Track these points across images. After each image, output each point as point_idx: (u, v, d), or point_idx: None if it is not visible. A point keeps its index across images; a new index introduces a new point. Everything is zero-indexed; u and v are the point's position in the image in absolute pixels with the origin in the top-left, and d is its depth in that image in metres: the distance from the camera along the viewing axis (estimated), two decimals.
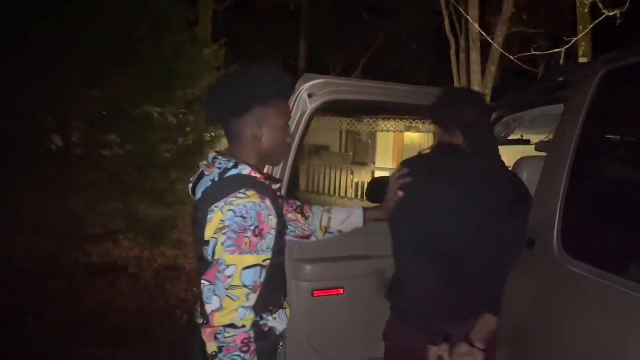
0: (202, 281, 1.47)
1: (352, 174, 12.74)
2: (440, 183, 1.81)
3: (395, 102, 2.33)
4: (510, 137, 2.90)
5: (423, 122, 12.06)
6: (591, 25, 6.89)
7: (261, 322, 1.60)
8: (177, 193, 5.95)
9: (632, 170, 1.54)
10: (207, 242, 1.47)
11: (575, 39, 7.50)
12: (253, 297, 1.47)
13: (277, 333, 1.65)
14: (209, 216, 1.46)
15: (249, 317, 1.46)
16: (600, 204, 1.56)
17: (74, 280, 5.20)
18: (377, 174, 12.97)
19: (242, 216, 1.43)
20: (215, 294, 1.44)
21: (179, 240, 6.34)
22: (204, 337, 1.45)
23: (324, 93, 2.28)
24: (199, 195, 1.56)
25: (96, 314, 4.55)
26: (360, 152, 14.62)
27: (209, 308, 1.44)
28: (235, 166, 1.55)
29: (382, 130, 13.06)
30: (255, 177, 1.57)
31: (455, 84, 11.30)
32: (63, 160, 5.44)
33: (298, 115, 2.28)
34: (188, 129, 6.47)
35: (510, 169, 2.19)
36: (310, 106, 2.28)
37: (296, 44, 18.40)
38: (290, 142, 1.77)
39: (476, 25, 9.02)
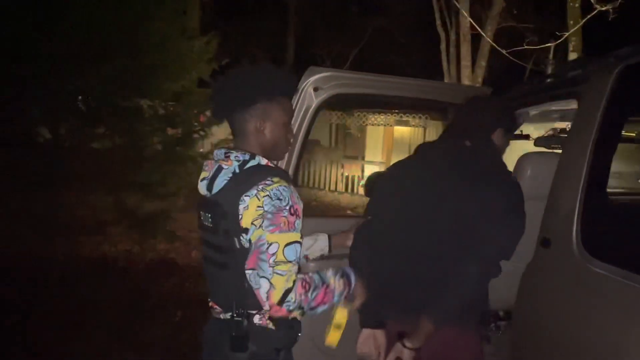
0: (246, 271, 1.53)
1: (342, 168, 12.71)
2: (424, 182, 1.84)
3: (402, 96, 2.28)
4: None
5: (414, 117, 12.05)
6: (584, 20, 6.89)
7: None
8: (168, 186, 5.87)
9: None
10: (245, 230, 1.52)
11: (567, 34, 7.51)
12: (295, 269, 1.52)
13: (300, 320, 1.68)
14: (241, 205, 1.52)
15: (291, 277, 1.50)
16: (622, 201, 1.53)
17: (63, 274, 5.10)
18: (367, 167, 12.95)
19: (278, 198, 1.50)
20: (262, 277, 1.49)
21: (170, 234, 6.26)
22: (281, 316, 1.53)
23: (330, 87, 2.23)
24: (217, 188, 1.59)
25: (86, 310, 4.46)
26: (350, 146, 14.59)
27: (262, 292, 1.49)
28: (252, 157, 1.60)
29: (372, 124, 13.03)
30: (274, 167, 1.64)
31: (446, 78, 11.31)
32: (52, 152, 5.32)
33: (304, 109, 2.23)
34: (178, 121, 6.38)
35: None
36: (316, 100, 2.22)
37: (284, 36, 18.27)
38: (291, 139, 1.80)
39: (468, 18, 8.99)
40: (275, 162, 2.10)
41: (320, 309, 1.58)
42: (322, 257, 2.03)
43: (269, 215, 1.49)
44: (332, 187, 12.57)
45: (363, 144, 14.06)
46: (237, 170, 1.58)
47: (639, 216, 1.50)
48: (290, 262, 1.50)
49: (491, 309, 2.97)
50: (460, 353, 1.79)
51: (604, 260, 1.47)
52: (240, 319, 1.60)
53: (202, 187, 1.66)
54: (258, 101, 1.62)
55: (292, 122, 2.24)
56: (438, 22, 11.33)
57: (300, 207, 1.56)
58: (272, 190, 1.51)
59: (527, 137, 3.61)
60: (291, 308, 1.50)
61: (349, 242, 1.97)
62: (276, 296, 1.48)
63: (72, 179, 5.25)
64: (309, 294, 1.53)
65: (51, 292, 4.71)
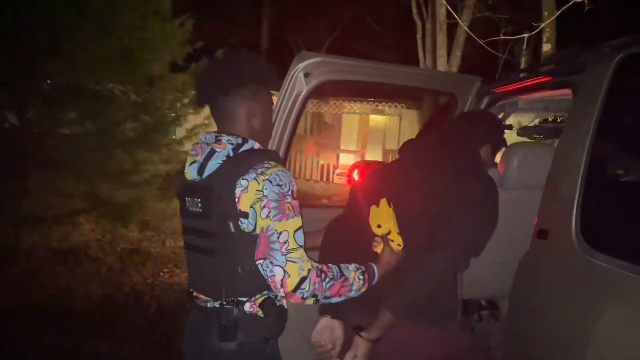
0: (258, 261, 1.50)
1: (317, 156, 12.66)
2: (399, 172, 1.90)
3: (395, 84, 2.23)
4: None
5: (389, 106, 12.06)
6: (559, 12, 6.96)
7: (278, 298, 1.61)
8: (142, 174, 5.71)
9: None
10: (244, 214, 1.50)
11: (542, 25, 7.58)
12: (305, 254, 1.52)
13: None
14: (238, 188, 1.49)
15: (306, 265, 1.49)
16: (622, 192, 1.51)
17: (32, 265, 4.94)
18: (342, 156, 12.93)
19: (278, 184, 1.49)
20: (275, 265, 1.48)
21: (143, 223, 6.11)
22: (295, 302, 1.52)
23: (321, 73, 2.15)
24: (209, 172, 1.56)
25: (58, 302, 4.33)
26: (325, 134, 14.54)
27: (276, 280, 1.48)
28: (245, 141, 1.58)
29: (348, 113, 13.00)
30: (267, 150, 1.64)
31: (421, 67, 11.31)
32: (19, 138, 5.10)
33: (293, 96, 2.15)
34: (151, 107, 6.20)
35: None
36: (307, 87, 2.15)
37: (259, 22, 18.01)
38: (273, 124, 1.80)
39: (446, 5, 8.98)
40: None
41: (335, 299, 1.56)
42: None
43: (274, 204, 1.48)
44: (308, 176, 12.53)
45: (339, 133, 14.03)
46: (231, 154, 1.55)
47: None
48: (301, 247, 1.50)
49: (474, 298, 2.99)
50: (421, 347, 1.74)
51: (605, 252, 1.45)
52: (230, 306, 1.56)
53: (191, 171, 1.61)
54: (250, 84, 1.61)
55: (282, 109, 2.18)
56: (414, 10, 11.30)
57: (296, 188, 1.56)
58: (271, 174, 1.49)
59: (509, 127, 3.62)
60: (305, 296, 1.49)
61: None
62: (291, 284, 1.47)
63: (40, 166, 5.05)
64: (324, 284, 1.51)
65: (18, 283, 4.55)
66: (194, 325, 1.68)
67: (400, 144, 2.12)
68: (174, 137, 6.68)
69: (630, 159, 1.60)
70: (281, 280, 1.47)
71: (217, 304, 1.59)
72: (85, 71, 5.27)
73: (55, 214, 5.47)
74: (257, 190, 1.48)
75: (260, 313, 1.58)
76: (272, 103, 1.72)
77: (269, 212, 1.47)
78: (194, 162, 1.60)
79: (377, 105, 12.46)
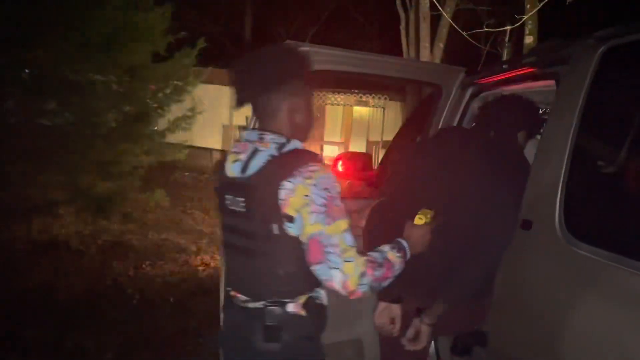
0: (313, 266, 1.50)
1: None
2: (443, 164, 1.95)
3: (380, 74, 2.21)
4: None
5: (373, 97, 12.06)
6: (541, 4, 7.00)
7: (319, 297, 1.64)
8: (123, 165, 5.64)
9: (637, 149, 1.52)
10: (290, 218, 1.49)
11: (524, 17, 7.62)
12: (356, 252, 1.52)
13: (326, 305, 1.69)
14: (283, 192, 1.48)
15: (360, 262, 1.50)
16: (606, 182, 1.53)
17: (12, 257, 4.85)
18: (326, 148, 12.91)
19: (325, 188, 1.49)
20: (332, 268, 1.48)
21: (125, 214, 6.04)
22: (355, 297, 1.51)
23: None
24: (252, 171, 1.54)
25: (38, 295, 4.26)
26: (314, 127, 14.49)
27: (335, 283, 1.48)
28: (288, 141, 1.57)
29: (331, 104, 12.97)
30: (310, 151, 1.60)
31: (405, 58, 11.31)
32: None
33: None
34: (133, 97, 6.11)
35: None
36: None
37: (242, 12, 17.83)
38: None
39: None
40: None
41: (385, 283, 1.59)
42: None
43: (322, 209, 1.47)
44: None
45: (322, 124, 14.00)
46: (275, 153, 1.54)
47: (624, 197, 1.50)
48: (351, 247, 1.50)
49: None
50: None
51: (588, 243, 1.47)
52: (274, 307, 1.57)
53: (233, 169, 1.59)
54: (292, 80, 1.59)
55: None
56: (398, 1, 11.26)
57: (340, 190, 1.55)
58: (318, 178, 1.49)
59: None
60: (365, 290, 1.51)
61: (362, 222, 1.98)
62: (353, 283, 1.48)
63: (19, 157, 4.95)
64: (376, 273, 1.53)
65: None
66: (234, 325, 1.68)
67: (433, 130, 2.29)
68: (156, 128, 6.61)
69: (613, 150, 1.62)
70: (341, 282, 1.48)
71: (259, 305, 1.58)
72: (65, 60, 5.17)
73: (35, 206, 5.38)
74: (305, 195, 1.47)
75: (303, 313, 1.59)
76: (313, 94, 1.71)
77: (318, 218, 1.47)
78: (237, 160, 1.59)
79: (360, 97, 12.44)
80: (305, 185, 1.47)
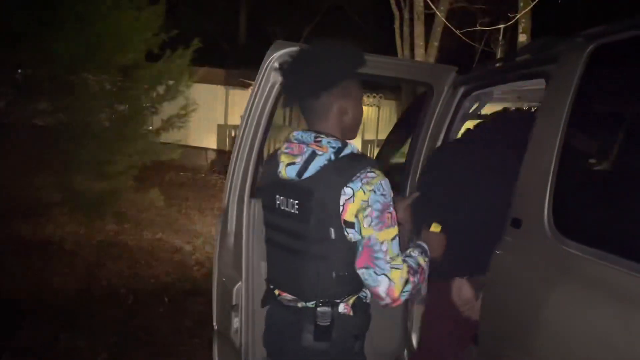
0: (359, 270, 1.52)
1: None
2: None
3: (373, 74, 2.21)
4: None
5: (368, 96, 12.05)
6: (534, 2, 7.02)
7: (366, 297, 1.67)
8: (117, 165, 5.62)
9: (625, 147, 1.52)
10: (350, 224, 1.52)
11: (517, 15, 7.65)
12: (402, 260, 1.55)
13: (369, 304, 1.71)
14: (343, 197, 1.50)
15: (405, 269, 1.53)
16: (595, 180, 1.53)
17: (5, 259, 4.83)
18: None
19: (382, 194, 1.51)
20: (380, 275, 1.50)
21: (119, 215, 6.02)
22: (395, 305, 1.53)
23: None
24: (309, 174, 1.55)
25: (32, 296, 4.25)
26: (304, 124, 14.46)
27: (381, 290, 1.50)
28: (345, 145, 1.58)
29: None
30: (367, 156, 1.61)
31: (399, 57, 11.32)
32: None
33: (269, 87, 2.12)
34: (126, 97, 6.08)
35: None
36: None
37: (236, 10, 17.80)
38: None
39: None
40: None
41: (416, 289, 1.60)
42: None
43: (377, 214, 1.49)
44: None
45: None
46: (333, 158, 1.54)
47: (613, 195, 1.50)
48: (399, 255, 1.53)
49: None
50: None
51: (577, 241, 1.47)
52: (326, 308, 1.59)
53: (289, 171, 1.59)
54: (342, 81, 1.59)
55: (257, 100, 2.15)
56: (392, 0, 11.27)
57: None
58: (376, 184, 1.50)
59: (484, 117, 3.65)
60: (405, 298, 1.53)
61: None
62: (397, 290, 1.50)
63: (12, 158, 4.93)
64: (415, 279, 1.55)
65: None
66: (279, 323, 1.71)
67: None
68: (150, 127, 6.59)
69: (602, 148, 1.63)
70: (387, 288, 1.49)
71: (310, 304, 1.61)
72: (58, 60, 5.15)
73: (28, 207, 5.37)
74: (363, 201, 1.49)
75: (351, 313, 1.62)
76: (362, 94, 1.70)
77: (371, 222, 1.49)
78: (293, 162, 1.59)
79: None
80: (365, 191, 1.49)
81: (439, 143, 2.74)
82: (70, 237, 5.78)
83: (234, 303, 2.25)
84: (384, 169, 1.61)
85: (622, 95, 1.60)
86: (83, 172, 5.31)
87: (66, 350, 3.54)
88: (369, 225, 1.49)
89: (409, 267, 1.55)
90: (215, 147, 12.67)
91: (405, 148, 2.95)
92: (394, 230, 1.52)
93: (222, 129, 12.64)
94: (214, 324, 2.49)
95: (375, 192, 1.49)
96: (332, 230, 1.53)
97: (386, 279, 1.49)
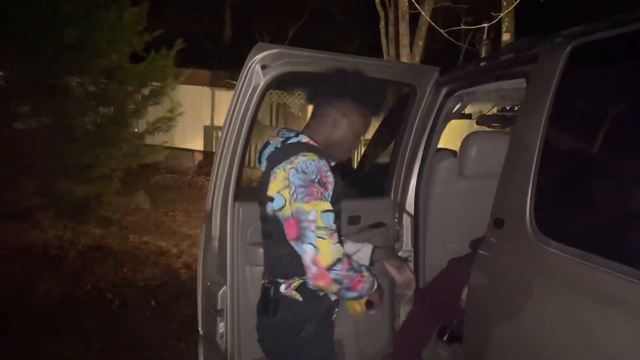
0: (291, 241, 1.58)
1: None
2: None
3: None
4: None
5: None
6: (517, 2, 7.09)
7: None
8: (101, 168, 5.57)
9: (605, 146, 1.53)
10: (270, 199, 1.61)
11: (500, 15, 7.72)
12: (336, 237, 1.58)
13: (332, 299, 1.75)
14: (271, 177, 1.62)
15: (341, 249, 1.57)
16: (576, 181, 1.54)
17: None
18: None
19: (303, 171, 1.57)
20: (306, 243, 1.54)
21: (104, 218, 5.96)
22: (321, 285, 1.56)
23: (278, 65, 2.12)
24: (264, 162, 1.71)
25: (15, 302, 4.19)
26: (291, 125, 14.45)
27: (307, 258, 1.54)
28: (296, 135, 1.71)
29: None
30: (313, 145, 1.69)
31: (385, 57, 11.35)
32: None
33: (251, 88, 2.11)
34: (110, 99, 6.02)
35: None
36: (264, 79, 2.11)
37: (221, 11, 17.72)
38: (354, 151, 1.91)
39: None
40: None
41: (350, 294, 1.62)
42: None
43: (301, 189, 1.56)
44: None
45: (305, 123, 13.95)
46: (279, 145, 1.69)
47: (593, 195, 1.52)
48: (328, 227, 1.56)
49: None
50: None
51: (558, 240, 1.49)
52: (269, 286, 1.72)
53: (257, 160, 1.78)
54: (352, 105, 1.72)
55: (240, 101, 2.14)
56: (377, 0, 11.29)
57: (330, 180, 1.61)
58: (298, 163, 1.58)
59: (469, 116, 3.67)
60: (337, 278, 1.54)
61: (388, 264, 2.03)
62: (325, 260, 1.52)
63: None
64: (350, 273, 1.57)
65: None
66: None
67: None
68: (136, 130, 6.53)
69: (582, 148, 1.64)
70: (312, 257, 1.52)
71: (263, 281, 1.77)
72: (39, 62, 5.09)
73: (12, 211, 5.30)
74: (284, 178, 1.58)
75: (298, 297, 1.68)
76: (362, 131, 1.80)
77: (297, 196, 1.55)
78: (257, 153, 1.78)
79: None
80: (285, 169, 1.59)
81: (422, 143, 2.75)
82: (54, 241, 5.69)
83: (219, 308, 2.24)
84: (368, 169, 1.65)
85: (602, 94, 1.61)
86: (67, 175, 5.26)
87: (51, 356, 3.49)
88: (295, 200, 1.55)
89: (349, 260, 1.58)
90: (202, 148, 12.60)
91: (390, 148, 2.96)
92: (325, 205, 1.56)
93: (208, 131, 12.57)
94: (199, 328, 2.47)
95: (296, 169, 1.57)
96: (263, 208, 1.67)
97: (311, 247, 1.53)
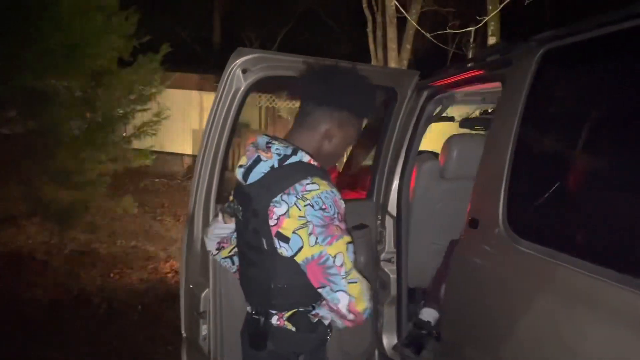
0: (319, 290, 1.45)
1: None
2: None
3: None
4: None
5: None
6: (502, 5, 7.16)
7: (312, 313, 1.58)
8: (87, 173, 5.55)
9: (576, 148, 1.57)
10: (285, 239, 1.44)
11: (486, 18, 7.80)
12: (358, 272, 1.47)
13: (326, 323, 1.62)
14: (277, 209, 1.43)
15: (368, 285, 1.47)
16: (547, 182, 1.58)
17: None
18: None
19: (321, 208, 1.41)
20: (337, 291, 1.42)
21: (91, 223, 5.94)
22: (354, 325, 1.46)
23: (259, 69, 2.14)
24: (252, 180, 1.50)
25: (2, 307, 4.17)
26: (280, 129, 14.46)
27: (342, 307, 1.42)
28: (294, 153, 1.49)
29: (294, 107, 12.94)
30: (315, 165, 1.51)
31: (373, 61, 11.43)
32: None
33: (232, 92, 2.14)
34: (97, 104, 6.00)
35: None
36: (245, 83, 2.14)
37: (210, 15, 17.72)
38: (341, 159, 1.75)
39: (393, 1, 9.11)
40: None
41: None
42: None
43: (321, 229, 1.41)
44: None
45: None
46: (276, 165, 1.48)
47: (565, 196, 1.56)
48: (354, 266, 1.45)
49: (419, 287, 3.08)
50: None
51: (530, 240, 1.52)
52: (257, 317, 1.58)
53: (238, 174, 1.56)
54: (345, 111, 1.55)
55: (221, 105, 2.16)
56: (364, 4, 11.35)
57: (343, 207, 1.49)
58: (313, 198, 1.41)
59: (451, 119, 3.72)
60: (370, 314, 1.46)
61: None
62: (361, 305, 1.43)
63: None
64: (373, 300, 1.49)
65: None
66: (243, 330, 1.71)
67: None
68: (124, 134, 6.51)
69: (553, 149, 1.68)
70: (347, 305, 1.41)
71: (250, 311, 1.63)
72: (25, 66, 5.06)
73: None
74: (300, 217, 1.41)
75: (290, 327, 1.56)
76: (355, 135, 1.65)
77: (317, 239, 1.41)
78: (242, 165, 1.55)
79: None
80: (299, 207, 1.41)
81: (404, 145, 2.79)
82: (41, 247, 5.68)
83: (201, 310, 2.25)
84: (351, 172, 1.62)
85: (572, 96, 1.65)
86: (53, 180, 5.22)
87: None
88: (316, 243, 1.41)
89: (369, 287, 1.48)
90: (190, 152, 12.58)
91: (373, 151, 3.00)
92: (346, 239, 1.44)
93: (197, 134, 12.56)
94: (183, 331, 2.49)
95: (313, 206, 1.41)
96: (264, 241, 1.47)
97: (344, 295, 1.41)
